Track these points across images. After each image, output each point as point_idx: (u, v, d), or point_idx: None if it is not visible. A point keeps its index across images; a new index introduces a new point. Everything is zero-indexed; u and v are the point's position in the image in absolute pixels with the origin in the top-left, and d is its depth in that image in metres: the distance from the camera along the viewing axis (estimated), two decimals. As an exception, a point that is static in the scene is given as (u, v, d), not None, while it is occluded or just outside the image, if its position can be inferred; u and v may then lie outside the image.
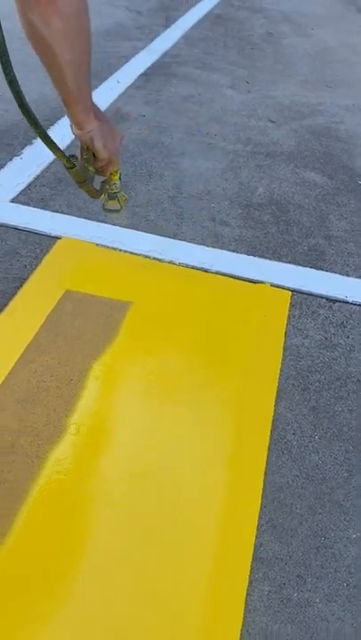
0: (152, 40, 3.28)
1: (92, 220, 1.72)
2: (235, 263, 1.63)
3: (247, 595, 0.93)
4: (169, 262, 1.60)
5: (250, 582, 0.95)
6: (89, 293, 1.44)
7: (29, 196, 1.80)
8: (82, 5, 0.87)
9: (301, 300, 1.54)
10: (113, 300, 1.43)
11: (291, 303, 1.52)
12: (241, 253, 1.68)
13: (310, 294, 1.55)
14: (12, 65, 0.85)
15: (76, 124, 1.03)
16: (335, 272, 1.65)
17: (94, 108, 1.04)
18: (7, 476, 1.03)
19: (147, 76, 2.81)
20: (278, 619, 0.92)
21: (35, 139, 2.02)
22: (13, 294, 1.42)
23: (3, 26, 0.80)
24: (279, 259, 1.68)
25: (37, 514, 0.99)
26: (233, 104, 2.62)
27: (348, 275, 1.65)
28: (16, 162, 1.96)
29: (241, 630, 0.89)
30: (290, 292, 1.55)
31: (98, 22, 3.35)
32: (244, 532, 1.01)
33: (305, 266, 1.66)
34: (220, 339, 1.38)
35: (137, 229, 1.72)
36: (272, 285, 1.56)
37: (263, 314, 1.47)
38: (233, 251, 1.69)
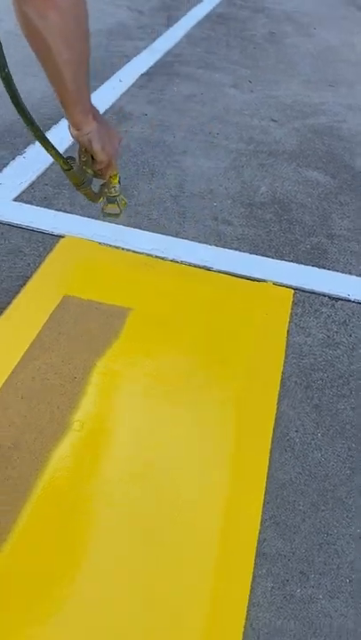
0: (154, 39, 3.28)
1: (95, 218, 1.72)
2: (237, 262, 1.64)
3: (251, 591, 0.94)
4: (171, 261, 1.60)
5: (253, 578, 0.95)
6: (91, 298, 1.44)
7: (32, 194, 1.81)
8: (79, 1, 0.86)
9: (304, 298, 1.54)
10: (115, 302, 1.44)
11: (293, 301, 1.52)
12: (243, 252, 1.68)
13: (313, 292, 1.56)
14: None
15: (74, 125, 1.02)
16: (338, 270, 1.66)
17: (93, 109, 1.03)
18: (11, 473, 1.04)
19: (149, 75, 2.81)
20: (281, 614, 0.92)
21: (38, 138, 2.02)
22: (17, 292, 1.43)
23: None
24: (282, 257, 1.68)
25: (41, 511, 0.99)
26: (235, 103, 2.63)
27: (350, 273, 1.65)
28: (19, 160, 1.96)
29: (245, 626, 0.89)
30: (292, 291, 1.55)
31: (100, 22, 3.37)
32: (247, 529, 1.01)
33: (307, 264, 1.66)
34: (223, 337, 1.39)
35: (139, 228, 1.72)
36: (275, 284, 1.56)
37: (266, 312, 1.47)
38: (235, 249, 1.69)
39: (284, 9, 4.23)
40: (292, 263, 1.66)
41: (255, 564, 0.97)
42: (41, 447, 1.08)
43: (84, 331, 1.33)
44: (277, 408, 1.23)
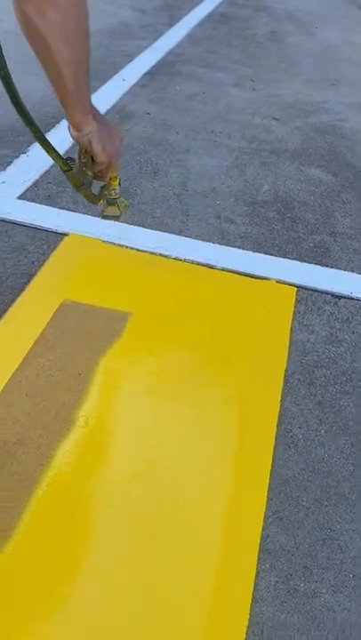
0: (156, 39, 3.29)
1: (99, 217, 1.72)
2: (240, 260, 1.64)
3: (254, 585, 0.94)
4: (174, 259, 1.61)
5: (257, 573, 0.96)
6: (94, 296, 1.45)
7: (36, 192, 1.81)
8: (79, 1, 0.85)
9: (307, 296, 1.54)
10: (119, 300, 1.44)
11: (296, 299, 1.53)
12: (246, 250, 1.69)
13: (315, 290, 1.56)
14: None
15: (74, 125, 1.01)
16: (340, 268, 1.66)
17: (93, 109, 1.02)
18: (17, 469, 1.04)
19: (151, 74, 2.82)
20: (285, 609, 0.93)
21: (41, 136, 2.03)
22: (21, 290, 1.43)
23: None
24: (284, 255, 1.69)
25: (46, 506, 1.00)
26: (237, 102, 2.63)
27: (353, 271, 1.66)
28: (23, 159, 1.97)
29: (248, 620, 0.90)
30: (295, 289, 1.56)
31: (102, 21, 3.38)
32: (250, 527, 1.02)
33: (310, 262, 1.67)
34: (226, 334, 1.39)
35: (143, 226, 1.73)
36: (277, 282, 1.57)
37: (269, 310, 1.48)
38: (238, 247, 1.70)
39: (285, 8, 4.23)
40: (294, 261, 1.67)
41: (259, 559, 0.98)
42: (46, 443, 1.09)
43: (88, 329, 1.34)
44: (281, 405, 1.24)
